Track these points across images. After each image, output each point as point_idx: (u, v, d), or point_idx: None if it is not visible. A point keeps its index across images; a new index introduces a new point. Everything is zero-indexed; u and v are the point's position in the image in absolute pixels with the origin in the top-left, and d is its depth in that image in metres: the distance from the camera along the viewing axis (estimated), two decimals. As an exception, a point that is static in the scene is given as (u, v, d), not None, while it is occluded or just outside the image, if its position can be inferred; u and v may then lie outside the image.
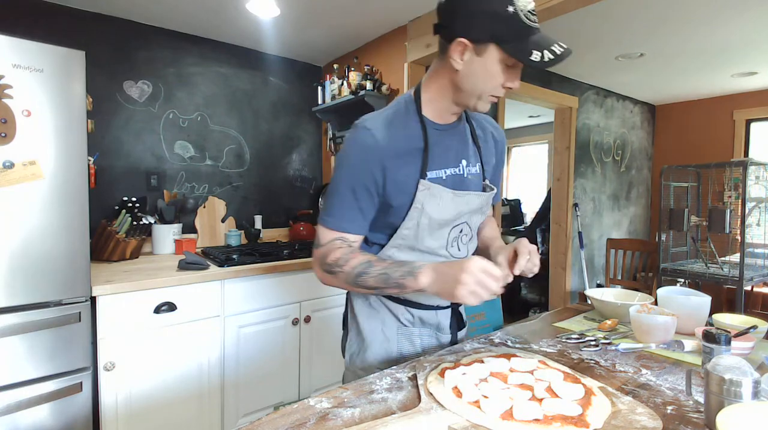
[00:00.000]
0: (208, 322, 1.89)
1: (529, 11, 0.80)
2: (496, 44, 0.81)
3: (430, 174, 0.93)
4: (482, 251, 1.10)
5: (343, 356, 1.11)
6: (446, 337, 1.07)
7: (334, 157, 0.94)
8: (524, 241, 0.93)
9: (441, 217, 0.95)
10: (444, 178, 0.96)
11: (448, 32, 0.85)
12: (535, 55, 0.79)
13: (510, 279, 0.83)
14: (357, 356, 1.05)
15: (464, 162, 1.00)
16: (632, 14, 2.36)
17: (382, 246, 0.99)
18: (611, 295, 1.34)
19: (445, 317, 1.06)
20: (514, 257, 0.92)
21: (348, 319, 1.10)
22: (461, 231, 1.02)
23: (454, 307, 1.08)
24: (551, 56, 0.79)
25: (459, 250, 1.03)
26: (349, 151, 0.91)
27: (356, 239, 0.94)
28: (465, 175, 0.99)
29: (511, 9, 0.78)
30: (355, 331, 1.06)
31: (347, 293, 1.11)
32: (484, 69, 0.85)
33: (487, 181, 1.05)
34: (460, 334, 1.12)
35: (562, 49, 0.81)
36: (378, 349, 1.02)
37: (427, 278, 0.81)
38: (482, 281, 0.76)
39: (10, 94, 1.38)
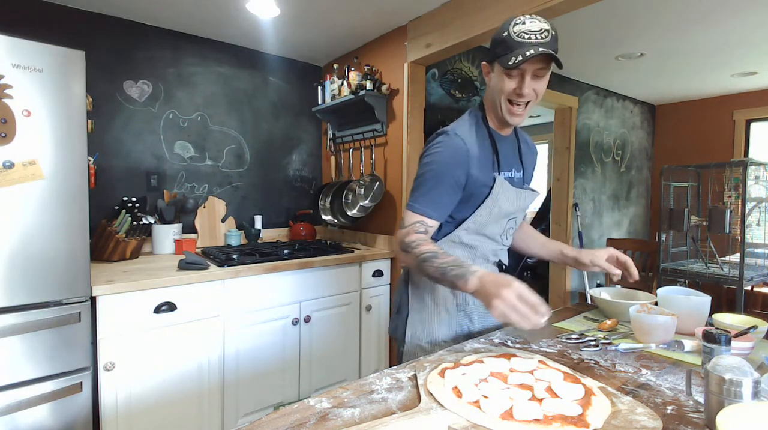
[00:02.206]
0: (208, 322, 1.89)
1: (523, 32, 0.99)
2: (497, 61, 1.05)
3: (503, 173, 1.13)
4: (558, 258, 1.28)
5: (393, 336, 1.25)
6: None
7: (422, 156, 1.11)
8: (613, 249, 1.19)
9: (507, 208, 1.14)
10: (511, 177, 1.17)
11: None
12: (512, 60, 0.98)
13: (543, 320, 0.82)
14: (421, 331, 1.17)
15: (513, 168, 1.19)
16: (632, 14, 2.36)
17: (457, 225, 1.14)
18: (615, 295, 1.33)
19: None
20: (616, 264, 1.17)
21: (409, 299, 1.21)
22: (515, 222, 1.22)
23: None
24: (520, 58, 0.97)
25: (507, 239, 1.22)
26: (444, 150, 1.07)
27: (434, 223, 1.08)
28: (513, 179, 1.18)
29: (505, 34, 1.01)
30: (419, 309, 1.18)
31: (407, 276, 1.24)
32: (495, 80, 1.07)
33: (527, 185, 1.25)
34: None
35: (532, 53, 0.97)
36: (442, 324, 1.16)
37: (474, 284, 0.90)
38: (515, 306, 0.81)
39: (10, 94, 1.38)
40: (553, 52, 0.98)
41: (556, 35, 1.01)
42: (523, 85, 1.02)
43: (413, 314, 1.19)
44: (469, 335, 1.16)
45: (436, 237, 1.15)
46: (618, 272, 1.16)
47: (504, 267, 1.24)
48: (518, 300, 0.81)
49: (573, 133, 3.65)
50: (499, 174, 1.12)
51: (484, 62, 1.12)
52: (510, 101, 1.06)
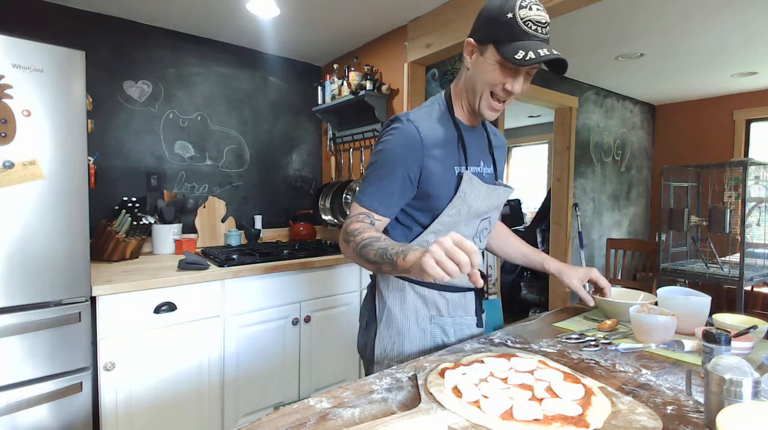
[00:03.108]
0: (208, 322, 1.89)
1: (531, 20, 0.87)
2: (493, 44, 0.91)
3: (471, 168, 1.03)
4: (539, 269, 1.25)
5: (362, 352, 1.14)
6: (472, 319, 1.14)
7: (375, 144, 1.00)
8: (595, 271, 1.19)
9: (478, 207, 1.04)
10: (480, 172, 1.07)
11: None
12: (520, 54, 0.86)
13: (478, 260, 0.74)
14: (391, 350, 1.06)
15: (482, 162, 1.09)
16: (632, 14, 2.36)
17: (425, 228, 1.04)
18: (615, 295, 1.33)
19: (470, 300, 1.14)
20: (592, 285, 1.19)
21: (376, 312, 1.10)
22: (489, 223, 1.13)
23: (477, 290, 1.16)
24: (532, 56, 0.85)
25: (481, 241, 1.13)
26: (394, 139, 0.97)
27: (381, 218, 0.98)
28: (483, 174, 1.08)
29: (509, 15, 0.88)
30: (386, 324, 1.07)
31: (374, 287, 1.12)
32: (484, 67, 0.94)
33: (500, 181, 1.15)
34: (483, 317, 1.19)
35: (546, 53, 0.86)
36: (414, 341, 1.06)
37: (413, 257, 0.78)
38: (450, 251, 0.71)
39: (10, 94, 1.38)
40: (566, 60, 0.88)
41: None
42: (515, 82, 0.93)
43: (381, 330, 1.07)
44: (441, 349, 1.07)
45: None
46: (591, 302, 1.19)
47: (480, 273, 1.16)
48: (455, 245, 0.71)
49: (573, 133, 3.65)
50: (467, 169, 1.01)
51: (470, 39, 0.96)
52: (492, 94, 0.96)
